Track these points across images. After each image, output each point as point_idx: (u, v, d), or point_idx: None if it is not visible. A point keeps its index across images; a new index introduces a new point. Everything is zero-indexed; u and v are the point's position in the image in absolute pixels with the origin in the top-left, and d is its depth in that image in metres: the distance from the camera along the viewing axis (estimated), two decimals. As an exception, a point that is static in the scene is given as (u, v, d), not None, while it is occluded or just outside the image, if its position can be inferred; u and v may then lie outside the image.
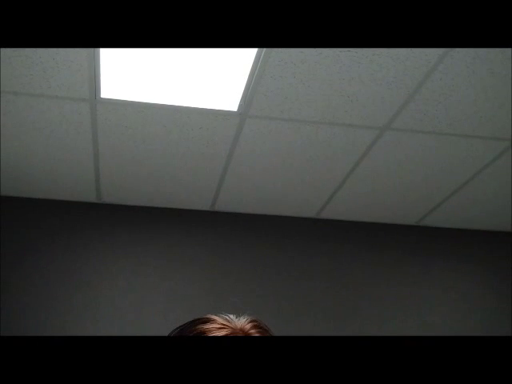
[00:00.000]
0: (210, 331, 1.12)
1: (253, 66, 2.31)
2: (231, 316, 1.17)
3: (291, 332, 3.17)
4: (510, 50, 2.25)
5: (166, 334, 1.19)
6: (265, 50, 2.22)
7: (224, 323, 1.14)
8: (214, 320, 1.15)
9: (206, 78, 2.39)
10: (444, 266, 3.56)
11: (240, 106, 2.55)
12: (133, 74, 2.36)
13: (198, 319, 1.16)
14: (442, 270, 3.55)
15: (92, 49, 2.21)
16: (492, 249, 3.66)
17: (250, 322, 1.17)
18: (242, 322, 1.16)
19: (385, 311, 3.38)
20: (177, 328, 1.17)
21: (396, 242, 3.57)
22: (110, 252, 3.22)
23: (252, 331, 1.15)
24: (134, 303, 3.13)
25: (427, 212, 3.48)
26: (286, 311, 3.26)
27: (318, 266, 3.41)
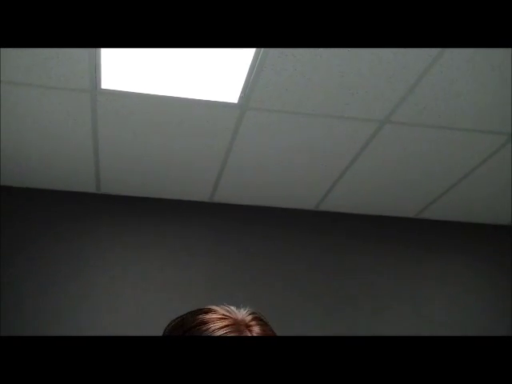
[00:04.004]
0: (212, 321, 1.13)
1: (253, 58, 2.31)
2: (232, 307, 1.18)
3: (289, 323, 3.18)
4: (510, 44, 2.25)
5: (165, 324, 1.20)
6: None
7: (225, 314, 1.15)
8: (215, 310, 1.16)
9: (206, 70, 2.39)
10: (442, 259, 3.57)
11: (240, 97, 2.55)
12: (133, 65, 2.36)
13: (200, 309, 1.17)
14: (440, 263, 3.56)
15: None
16: (491, 242, 3.66)
17: (251, 314, 1.18)
18: (242, 314, 1.17)
19: (383, 304, 3.39)
20: (177, 318, 1.18)
21: (395, 234, 3.58)
22: (108, 242, 3.22)
23: (252, 323, 1.16)
24: (132, 293, 3.14)
25: (426, 205, 3.49)
26: (284, 302, 3.27)
27: (316, 257, 3.42)
